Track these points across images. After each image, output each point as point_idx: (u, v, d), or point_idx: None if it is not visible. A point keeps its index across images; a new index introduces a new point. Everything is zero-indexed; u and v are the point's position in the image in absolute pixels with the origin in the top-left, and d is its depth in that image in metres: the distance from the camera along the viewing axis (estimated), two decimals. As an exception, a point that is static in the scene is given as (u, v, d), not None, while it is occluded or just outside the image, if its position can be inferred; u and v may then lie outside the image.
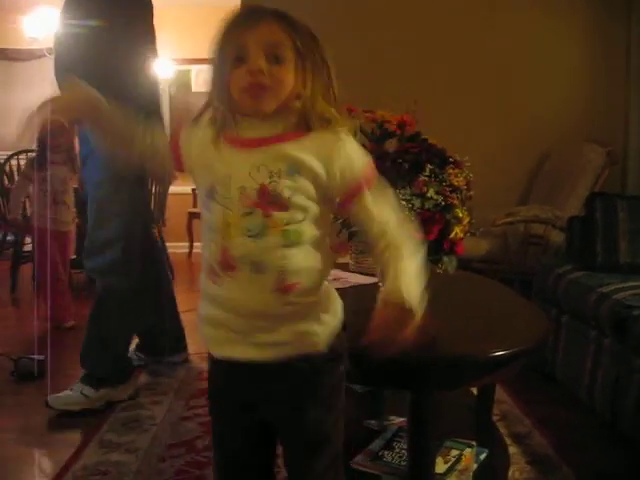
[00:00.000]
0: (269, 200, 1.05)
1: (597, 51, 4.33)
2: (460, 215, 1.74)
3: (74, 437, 2.34)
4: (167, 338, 3.02)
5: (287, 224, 1.06)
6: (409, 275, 1.07)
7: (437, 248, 1.75)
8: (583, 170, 3.81)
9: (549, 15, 4.29)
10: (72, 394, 2.53)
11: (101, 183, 2.51)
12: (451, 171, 1.79)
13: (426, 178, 1.75)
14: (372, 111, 2.00)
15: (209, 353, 1.20)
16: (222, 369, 1.18)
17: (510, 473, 1.97)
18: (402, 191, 1.72)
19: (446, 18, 4.27)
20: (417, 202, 1.71)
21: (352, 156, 1.10)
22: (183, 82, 7.14)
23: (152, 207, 5.32)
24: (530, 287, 3.10)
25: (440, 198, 1.72)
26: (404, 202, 1.70)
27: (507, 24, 4.28)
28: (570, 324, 2.68)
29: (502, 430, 2.25)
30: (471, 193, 1.82)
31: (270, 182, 1.05)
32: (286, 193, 1.05)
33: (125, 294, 2.62)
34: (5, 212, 4.89)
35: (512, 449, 2.15)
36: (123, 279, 2.60)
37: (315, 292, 1.13)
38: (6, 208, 4.72)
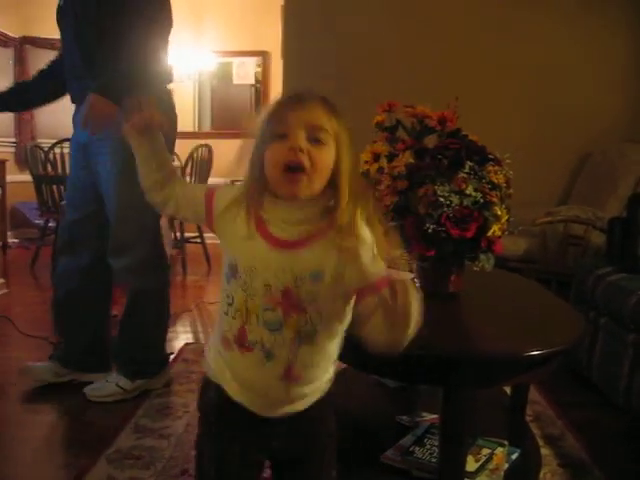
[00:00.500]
0: (291, 303, 1.08)
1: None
2: (499, 213, 1.72)
3: (109, 421, 2.37)
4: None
5: (303, 325, 1.10)
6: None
7: (474, 246, 1.74)
8: (625, 170, 3.75)
9: (592, 12, 4.22)
10: (108, 386, 2.56)
11: (118, 178, 2.40)
12: (491, 168, 1.77)
13: (465, 175, 1.73)
14: (412, 106, 2.00)
15: (217, 388, 1.18)
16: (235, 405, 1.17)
17: (541, 475, 1.96)
18: (441, 187, 1.71)
19: (488, 16, 4.23)
20: (455, 199, 1.69)
21: (369, 260, 1.09)
22: (224, 74, 7.19)
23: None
24: (568, 288, 3.07)
25: (479, 195, 1.71)
26: (442, 199, 1.69)
27: (549, 22, 4.22)
28: (608, 327, 2.64)
29: (535, 431, 2.23)
30: (511, 191, 1.80)
31: (295, 286, 1.08)
32: (307, 299, 1.08)
33: (160, 290, 2.61)
34: (47, 199, 5.00)
35: (544, 451, 2.13)
36: (157, 276, 2.59)
37: (321, 377, 1.17)
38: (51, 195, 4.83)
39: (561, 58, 4.25)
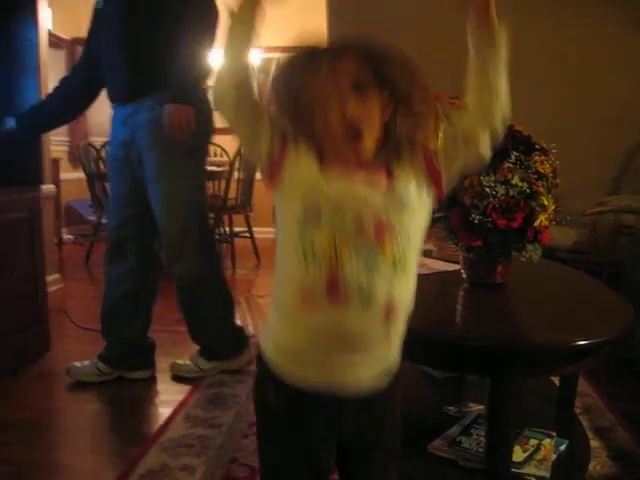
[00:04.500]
0: (383, 231, 1.03)
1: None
2: (545, 203, 1.71)
3: (161, 411, 2.45)
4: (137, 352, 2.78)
5: (397, 255, 1.04)
6: None
7: (521, 236, 1.74)
8: (679, 160, 3.67)
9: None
10: (188, 365, 2.77)
11: (164, 178, 2.48)
12: (537, 158, 1.76)
13: (511, 165, 1.73)
14: (458, 97, 1.99)
15: (277, 383, 1.14)
16: (301, 400, 1.11)
17: (591, 467, 1.93)
18: (486, 178, 1.71)
19: (537, 4, 4.18)
20: (501, 189, 1.69)
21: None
22: (269, 69, 7.23)
23: (238, 193, 5.45)
24: (619, 279, 3.02)
25: (525, 185, 1.70)
26: (488, 189, 1.69)
27: (602, 12, 4.13)
28: (660, 318, 2.59)
29: (584, 423, 2.21)
30: (557, 181, 1.79)
31: (385, 215, 1.03)
32: (397, 225, 1.04)
33: (208, 277, 2.69)
34: (100, 196, 5.12)
35: (594, 443, 2.11)
36: (209, 264, 2.69)
37: (406, 316, 1.11)
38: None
39: (611, 47, 4.16)
